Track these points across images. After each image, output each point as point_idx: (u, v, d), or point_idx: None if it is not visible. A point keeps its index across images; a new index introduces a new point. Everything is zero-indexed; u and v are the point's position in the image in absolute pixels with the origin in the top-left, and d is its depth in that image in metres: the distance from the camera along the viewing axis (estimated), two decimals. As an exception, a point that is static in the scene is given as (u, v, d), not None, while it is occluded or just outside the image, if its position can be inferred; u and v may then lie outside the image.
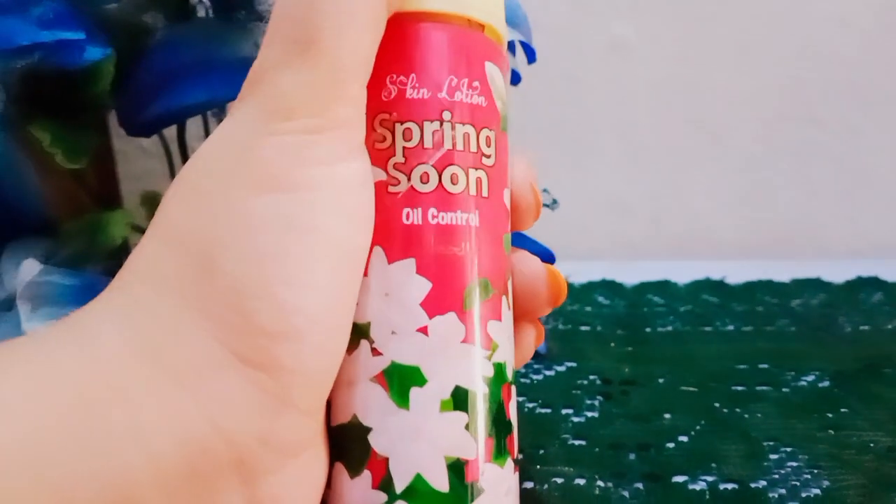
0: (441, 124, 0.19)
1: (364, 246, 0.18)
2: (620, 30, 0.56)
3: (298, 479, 0.18)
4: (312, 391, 0.17)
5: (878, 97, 0.58)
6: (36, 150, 0.26)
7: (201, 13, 0.30)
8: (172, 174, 0.35)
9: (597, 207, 0.60)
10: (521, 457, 0.21)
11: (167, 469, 0.15)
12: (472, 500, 0.18)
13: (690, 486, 0.29)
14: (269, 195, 0.17)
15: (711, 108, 0.58)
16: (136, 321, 0.16)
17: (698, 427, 0.33)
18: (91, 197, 0.31)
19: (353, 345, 0.19)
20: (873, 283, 0.51)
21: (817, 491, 0.29)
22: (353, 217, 0.18)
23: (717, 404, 0.35)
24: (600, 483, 0.29)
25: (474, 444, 0.19)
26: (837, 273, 0.52)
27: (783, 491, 0.29)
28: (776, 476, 0.30)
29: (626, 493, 0.29)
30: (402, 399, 0.18)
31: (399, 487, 0.18)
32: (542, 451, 0.32)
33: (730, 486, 0.29)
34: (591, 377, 0.38)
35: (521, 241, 0.25)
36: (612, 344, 0.43)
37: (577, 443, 0.32)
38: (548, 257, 0.28)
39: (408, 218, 0.19)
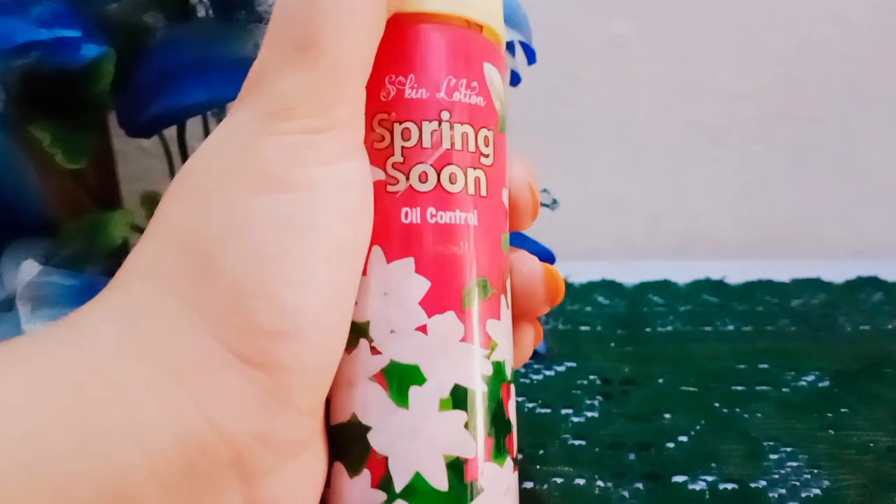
0: (440, 124, 0.19)
1: (363, 245, 0.18)
2: (620, 29, 0.56)
3: (298, 479, 0.18)
4: (312, 390, 0.17)
5: (878, 96, 0.58)
6: (36, 150, 0.26)
7: (201, 13, 0.30)
8: (172, 174, 0.35)
9: (597, 207, 0.60)
10: (520, 456, 0.21)
11: (166, 468, 0.15)
12: (472, 499, 0.18)
13: (690, 486, 0.29)
14: (268, 195, 0.17)
15: (711, 107, 0.58)
16: (135, 320, 0.16)
17: (698, 427, 0.33)
18: (91, 197, 0.31)
19: (352, 344, 0.19)
20: (873, 283, 0.51)
21: (817, 491, 0.29)
22: (353, 217, 0.18)
23: (717, 404, 0.35)
24: (600, 483, 0.29)
25: (473, 442, 0.19)
26: (837, 273, 0.52)
27: (783, 491, 0.29)
28: (776, 476, 0.30)
29: (625, 493, 0.29)
30: (401, 398, 0.18)
31: (398, 486, 0.18)
32: (541, 451, 0.32)
33: (730, 485, 0.29)
34: (591, 377, 0.38)
35: (521, 240, 0.25)
36: (612, 344, 0.43)
37: (576, 443, 0.32)
38: (548, 257, 0.28)
39: (406, 217, 0.19)
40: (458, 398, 0.19)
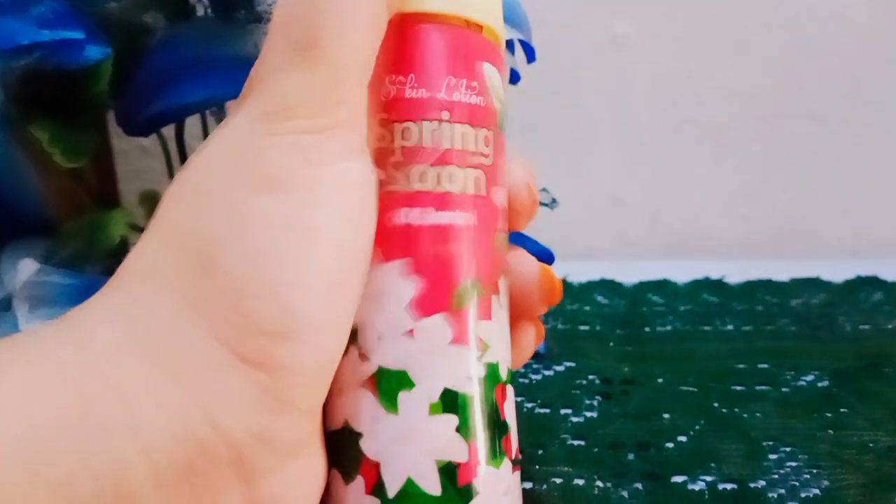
0: (439, 124, 0.19)
1: (365, 246, 0.18)
2: (620, 29, 0.56)
3: (298, 479, 0.18)
4: (312, 390, 0.17)
5: (878, 95, 0.58)
6: (35, 149, 0.26)
7: (200, 13, 0.30)
8: (171, 173, 0.35)
9: (596, 206, 0.60)
10: (520, 457, 0.21)
11: (166, 467, 0.15)
12: (467, 503, 0.18)
13: (690, 486, 0.29)
14: (268, 195, 0.17)
15: (711, 106, 0.58)
16: (135, 320, 0.16)
17: (698, 427, 0.33)
18: (91, 196, 0.31)
19: (343, 350, 0.19)
20: (873, 283, 0.51)
21: (817, 491, 0.29)
22: (353, 216, 0.18)
23: (716, 404, 0.35)
24: (599, 483, 0.29)
25: (465, 446, 0.18)
26: (837, 272, 0.52)
27: (782, 491, 0.29)
28: (776, 476, 0.30)
29: (625, 493, 0.29)
30: (390, 403, 0.18)
31: (391, 492, 0.18)
32: (541, 451, 0.32)
33: (729, 485, 0.29)
34: (591, 377, 0.38)
35: (521, 240, 0.25)
36: (612, 343, 0.43)
37: (576, 443, 0.32)
38: (547, 257, 0.28)
39: (401, 218, 0.19)
40: (449, 402, 0.18)
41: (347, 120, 0.18)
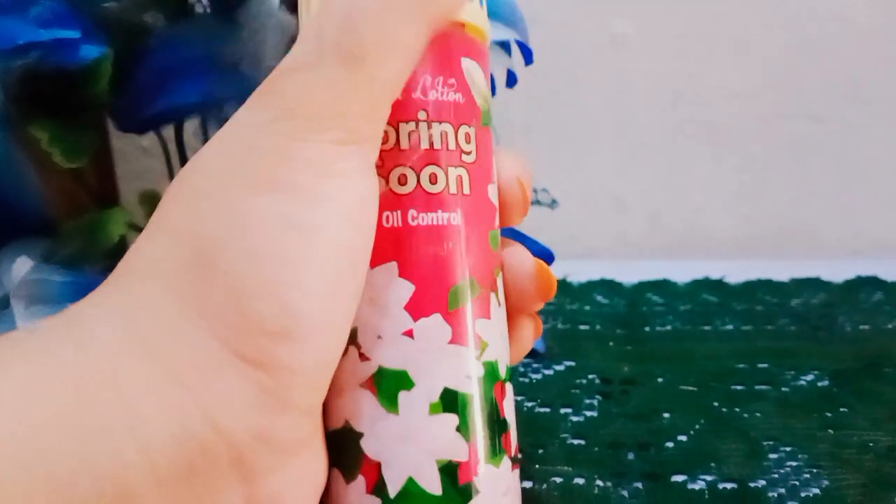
0: (417, 124, 0.19)
1: (365, 247, 0.18)
2: (620, 29, 0.56)
3: (298, 479, 0.18)
4: (312, 390, 0.17)
5: (878, 95, 0.58)
6: (35, 149, 0.26)
7: (200, 11, 0.30)
8: (171, 173, 0.35)
9: (596, 206, 0.60)
10: (520, 455, 0.21)
11: (166, 467, 0.15)
12: (467, 502, 0.18)
13: (690, 486, 0.29)
14: (269, 195, 0.16)
15: (710, 106, 0.58)
16: (135, 319, 0.16)
17: (697, 426, 0.33)
18: (90, 196, 0.31)
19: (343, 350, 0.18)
20: (873, 283, 0.51)
21: (817, 490, 0.29)
22: (354, 217, 0.18)
23: (716, 403, 0.35)
24: (599, 482, 0.29)
25: (466, 445, 0.18)
26: (837, 272, 0.52)
27: (783, 490, 0.29)
28: (776, 475, 0.30)
29: (625, 493, 0.29)
30: (390, 403, 0.18)
31: (392, 492, 0.18)
32: (541, 451, 0.32)
33: (729, 485, 0.29)
34: (591, 376, 0.38)
35: (521, 240, 0.25)
36: (612, 343, 0.43)
37: (576, 442, 0.32)
38: (547, 256, 0.28)
39: (387, 221, 0.19)
40: (448, 401, 0.18)
41: (371, 137, 0.18)
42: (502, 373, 0.20)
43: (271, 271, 0.16)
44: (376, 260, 0.19)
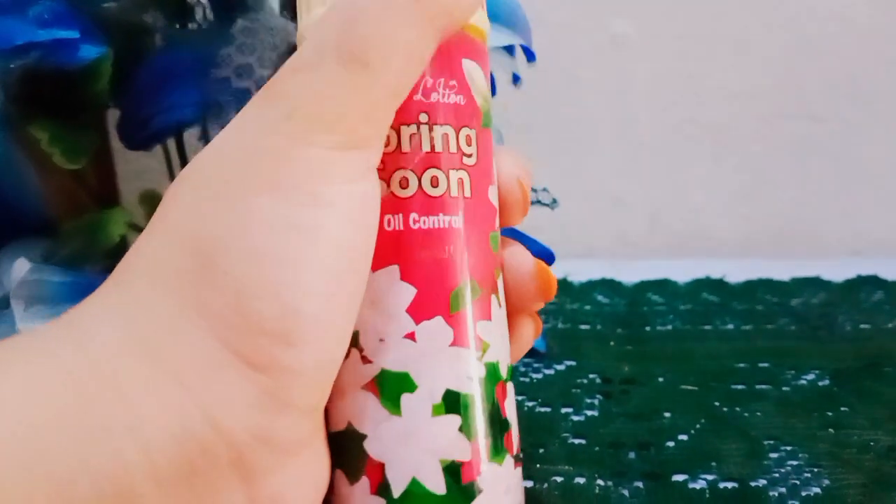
0: (418, 127, 0.19)
1: (367, 248, 0.18)
2: (620, 29, 0.56)
3: (298, 478, 0.18)
4: (312, 391, 0.17)
5: (878, 95, 0.58)
6: (35, 149, 0.26)
7: (199, 13, 0.30)
8: (171, 173, 0.35)
9: (596, 206, 0.60)
10: (521, 453, 0.21)
11: (166, 467, 0.15)
12: (470, 501, 0.18)
13: (690, 485, 0.29)
14: (269, 195, 0.16)
15: (711, 106, 0.58)
16: (135, 319, 0.16)
17: (698, 426, 0.33)
18: (91, 196, 0.31)
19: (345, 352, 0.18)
20: (873, 282, 0.51)
21: (817, 490, 0.29)
22: (355, 218, 0.18)
23: (716, 403, 0.35)
24: (600, 482, 0.29)
25: (469, 445, 0.19)
26: (837, 272, 0.52)
27: (783, 490, 0.29)
28: (776, 475, 0.30)
29: (625, 492, 0.29)
30: (393, 406, 0.18)
31: (396, 492, 0.18)
32: (541, 450, 0.32)
33: (730, 484, 0.29)
34: (591, 376, 0.38)
35: (521, 240, 0.25)
36: (612, 343, 0.43)
37: (576, 441, 0.32)
38: (548, 256, 0.28)
39: (389, 224, 0.19)
40: (451, 402, 0.19)
41: (373, 140, 0.18)
42: (503, 373, 0.20)
43: (272, 272, 0.16)
44: (378, 263, 0.19)
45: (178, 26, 0.30)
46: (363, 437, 0.19)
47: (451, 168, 0.19)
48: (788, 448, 0.31)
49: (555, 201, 0.38)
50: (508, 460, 0.19)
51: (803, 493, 0.28)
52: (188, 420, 0.16)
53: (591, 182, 0.59)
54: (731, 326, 0.45)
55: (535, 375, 0.39)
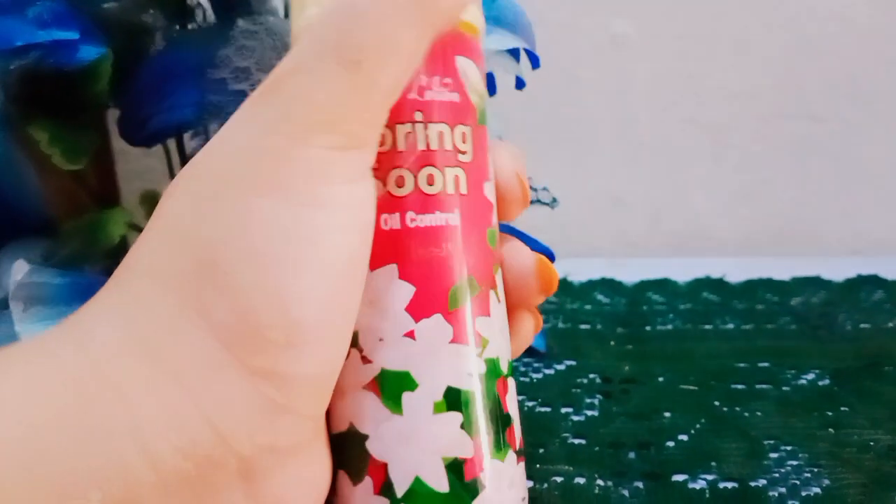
0: (413, 126, 0.19)
1: (364, 250, 0.18)
2: (620, 29, 0.56)
3: (299, 479, 0.18)
4: (313, 392, 0.17)
5: (878, 95, 0.58)
6: (35, 150, 0.26)
7: (199, 13, 0.30)
8: (171, 173, 0.35)
9: (596, 205, 0.60)
10: (524, 447, 0.21)
11: (166, 468, 0.15)
12: (474, 498, 0.18)
13: (690, 485, 0.29)
14: (270, 196, 0.16)
15: (711, 105, 0.58)
16: (135, 320, 0.16)
17: (698, 425, 0.33)
18: (91, 196, 0.31)
19: (345, 354, 0.18)
20: (873, 282, 0.51)
21: (817, 489, 0.29)
22: (353, 220, 0.18)
23: (716, 403, 0.35)
24: (600, 482, 0.29)
25: (471, 442, 0.19)
26: (837, 271, 0.52)
27: (783, 489, 0.29)
28: (776, 475, 0.30)
29: (625, 492, 0.29)
30: (394, 405, 0.18)
31: (399, 491, 0.18)
32: (541, 450, 0.32)
33: (730, 484, 0.29)
34: (591, 375, 0.38)
35: (521, 239, 0.25)
36: (612, 342, 0.43)
37: (576, 441, 0.32)
38: (548, 256, 0.28)
39: (386, 223, 0.19)
40: (452, 400, 0.18)
41: (369, 140, 0.18)
42: (504, 368, 0.20)
43: (271, 274, 0.16)
44: (376, 262, 0.19)
45: (178, 27, 0.31)
46: (365, 437, 0.19)
47: (446, 165, 0.19)
48: (788, 448, 0.31)
49: (555, 200, 0.38)
50: (511, 455, 0.19)
51: (803, 493, 0.28)
52: (188, 420, 0.16)
53: (591, 182, 0.59)
54: (731, 326, 0.45)
55: (535, 375, 0.39)
